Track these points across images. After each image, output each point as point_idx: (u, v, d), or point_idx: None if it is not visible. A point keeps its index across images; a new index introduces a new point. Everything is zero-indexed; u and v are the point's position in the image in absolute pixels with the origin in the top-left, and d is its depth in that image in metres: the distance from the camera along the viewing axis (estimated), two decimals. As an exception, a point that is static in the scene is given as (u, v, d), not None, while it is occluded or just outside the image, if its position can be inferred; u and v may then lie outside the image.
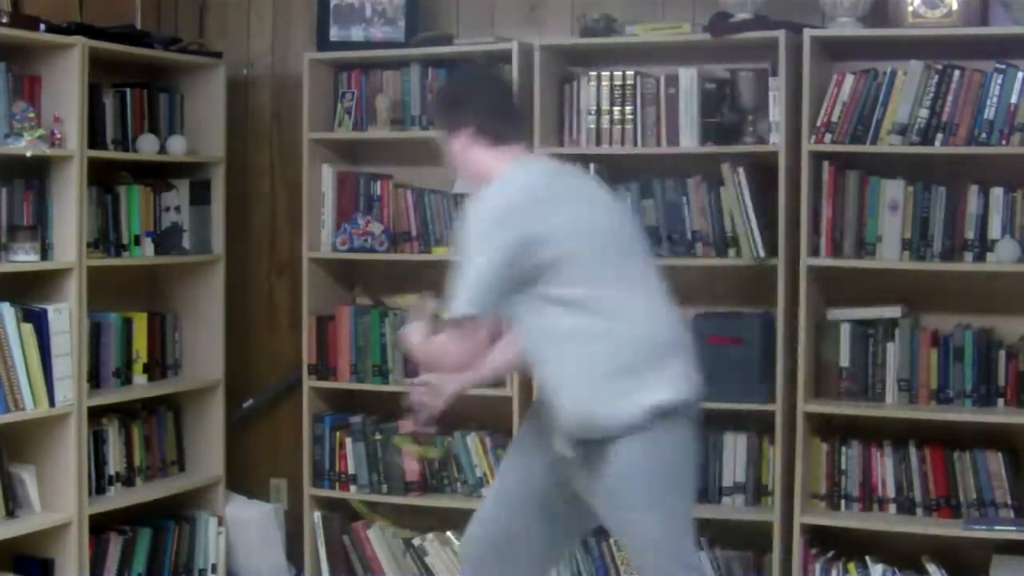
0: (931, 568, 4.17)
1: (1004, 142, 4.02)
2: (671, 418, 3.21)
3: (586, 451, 3.20)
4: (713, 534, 4.43)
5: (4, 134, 4.16)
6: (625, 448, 3.16)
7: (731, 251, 4.35)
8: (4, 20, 4.11)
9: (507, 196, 3.22)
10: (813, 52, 4.16)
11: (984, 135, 4.04)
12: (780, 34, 4.20)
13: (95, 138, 4.45)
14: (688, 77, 4.39)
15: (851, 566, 4.26)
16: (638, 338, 3.22)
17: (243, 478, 5.11)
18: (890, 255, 4.20)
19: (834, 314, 4.33)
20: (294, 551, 4.99)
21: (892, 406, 4.24)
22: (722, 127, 4.39)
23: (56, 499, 4.31)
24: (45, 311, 4.22)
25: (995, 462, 4.13)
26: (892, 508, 4.24)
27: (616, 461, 3.16)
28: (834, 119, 4.18)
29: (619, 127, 4.47)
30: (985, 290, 4.27)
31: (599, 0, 4.61)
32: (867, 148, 4.17)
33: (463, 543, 3.62)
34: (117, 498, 4.58)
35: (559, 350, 3.19)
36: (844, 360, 4.29)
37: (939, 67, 4.09)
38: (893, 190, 4.20)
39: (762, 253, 4.25)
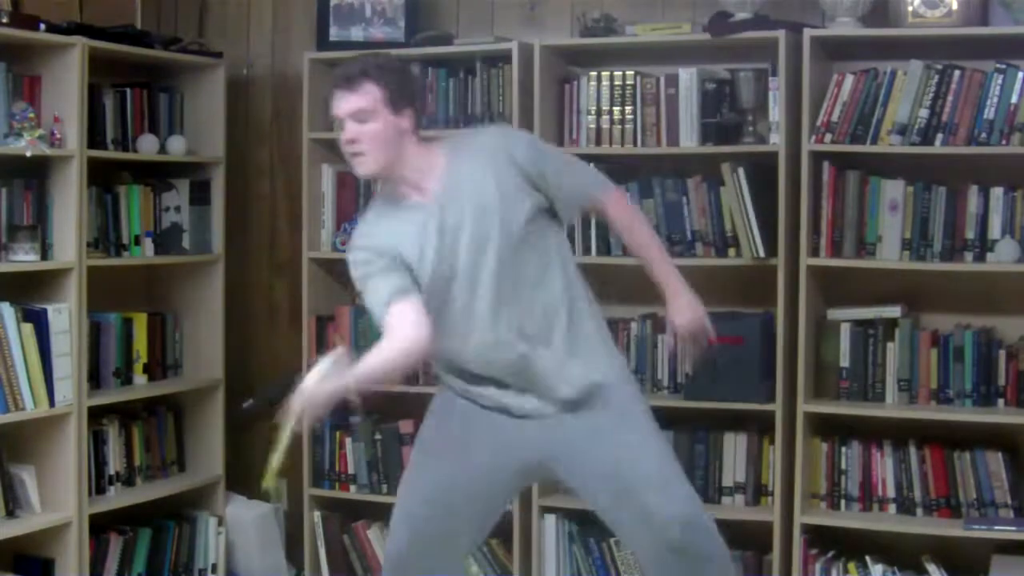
0: (931, 568, 4.18)
1: (1004, 142, 4.02)
2: None
3: (581, 401, 3.33)
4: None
5: (4, 134, 4.16)
6: (622, 387, 3.42)
7: (731, 251, 4.35)
8: (4, 20, 4.11)
9: None
10: (813, 52, 4.17)
11: (984, 135, 4.04)
12: (780, 34, 4.20)
13: (95, 138, 4.45)
14: (688, 77, 4.39)
15: (851, 566, 4.26)
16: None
17: (243, 478, 5.10)
18: (890, 255, 4.20)
19: (834, 314, 4.33)
20: (294, 551, 4.99)
21: (892, 406, 4.25)
22: (722, 127, 4.39)
23: (56, 499, 4.31)
24: (45, 311, 4.22)
25: (995, 462, 4.13)
26: (892, 508, 4.24)
27: (618, 396, 3.38)
28: (834, 119, 4.18)
29: (619, 127, 4.47)
30: (985, 290, 4.27)
31: (599, 0, 4.61)
32: (867, 148, 4.17)
33: (395, 554, 3.50)
34: (117, 498, 4.58)
35: (592, 303, 3.42)
36: (844, 360, 4.29)
37: (939, 67, 4.09)
38: (893, 190, 4.20)
39: (762, 253, 4.25)
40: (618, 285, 4.59)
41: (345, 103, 3.20)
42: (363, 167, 3.25)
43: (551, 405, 3.34)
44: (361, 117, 3.20)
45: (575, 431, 3.34)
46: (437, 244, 3.25)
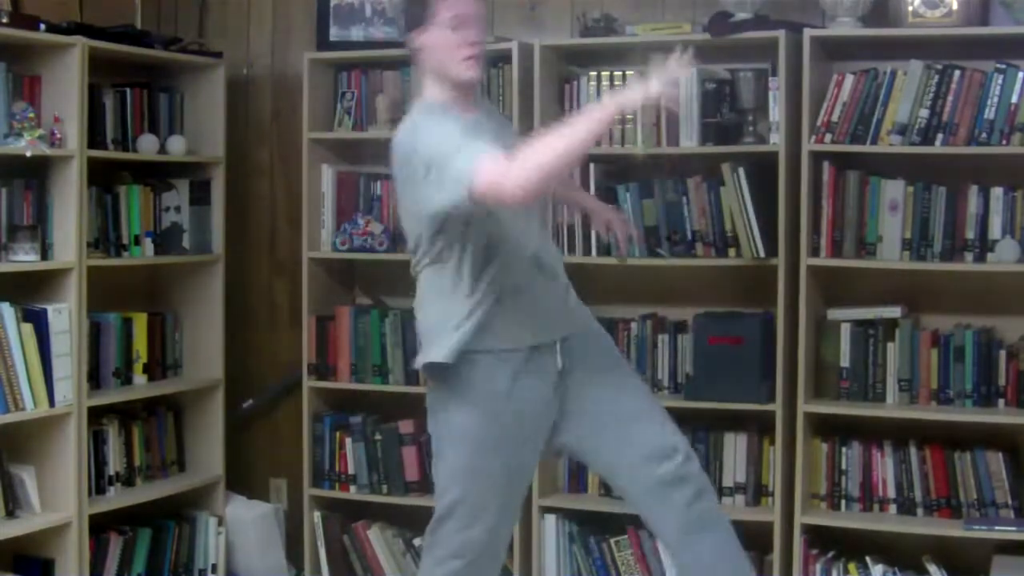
0: (931, 568, 4.17)
1: (1004, 142, 4.02)
2: None
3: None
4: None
5: (4, 134, 4.16)
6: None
7: (731, 251, 4.35)
8: (4, 20, 4.11)
9: None
10: (813, 52, 4.16)
11: (984, 135, 4.04)
12: (780, 34, 4.20)
13: (95, 138, 4.45)
14: (688, 77, 4.38)
15: (851, 566, 4.26)
16: None
17: (243, 478, 5.11)
18: (890, 255, 4.20)
19: (834, 314, 4.33)
20: (294, 551, 4.99)
21: (892, 406, 4.24)
22: (722, 127, 4.39)
23: (56, 499, 4.31)
24: (45, 311, 4.22)
25: (995, 462, 4.13)
26: (892, 508, 4.24)
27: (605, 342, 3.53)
28: (834, 119, 4.18)
29: (619, 127, 4.46)
30: (985, 290, 4.27)
31: (599, 0, 4.61)
32: (867, 148, 4.17)
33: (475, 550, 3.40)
34: (117, 498, 4.58)
35: None
36: (844, 360, 4.29)
37: (939, 67, 4.09)
38: (893, 190, 4.20)
39: (762, 253, 4.25)
40: (618, 285, 4.60)
41: (477, 6, 3.28)
42: (475, 72, 3.27)
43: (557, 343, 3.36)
44: (481, 24, 3.29)
45: (580, 378, 3.38)
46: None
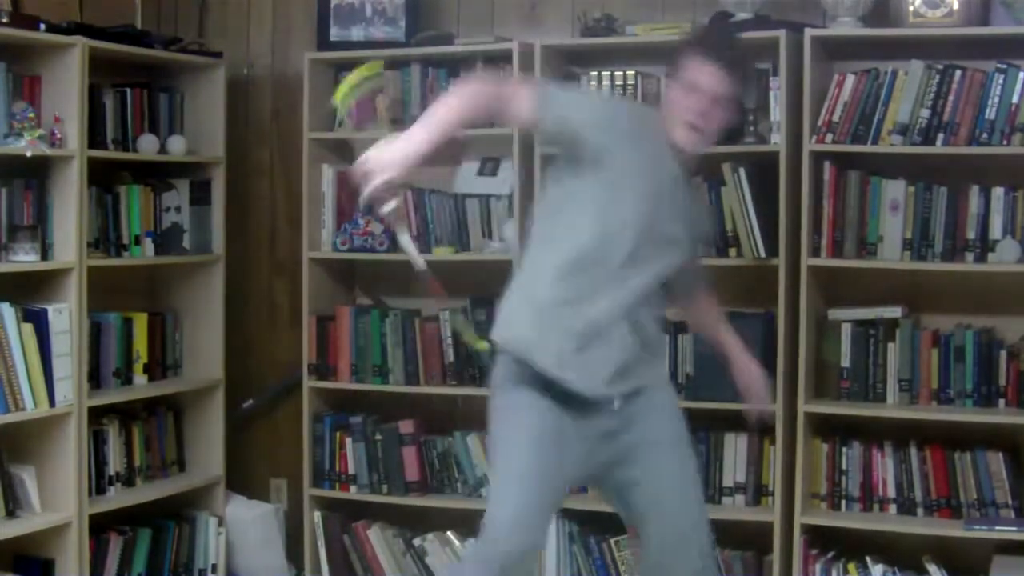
0: (931, 568, 4.17)
1: (1005, 142, 4.02)
2: None
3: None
4: (714, 534, 4.43)
5: (4, 134, 4.16)
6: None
7: (731, 251, 4.35)
8: (4, 20, 4.11)
9: None
10: (814, 52, 4.16)
11: (985, 135, 4.04)
12: (781, 34, 4.20)
13: (95, 138, 4.45)
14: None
15: (851, 566, 4.26)
16: None
17: (243, 478, 5.11)
18: (891, 255, 4.20)
19: (835, 314, 4.33)
20: (294, 551, 4.99)
21: (893, 406, 4.24)
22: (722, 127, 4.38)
23: (56, 499, 4.31)
24: (45, 311, 4.22)
25: (996, 462, 4.13)
26: (892, 508, 4.24)
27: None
28: (835, 119, 4.18)
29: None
30: (986, 290, 4.27)
31: (599, 0, 4.61)
32: (868, 148, 4.17)
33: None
34: (117, 498, 4.58)
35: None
36: (845, 360, 4.29)
37: (940, 67, 4.09)
38: (894, 190, 4.20)
39: (763, 253, 4.25)
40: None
41: (719, 85, 3.24)
42: (689, 139, 3.28)
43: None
44: (717, 104, 3.26)
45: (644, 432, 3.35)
46: (655, 189, 3.25)
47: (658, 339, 3.47)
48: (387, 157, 3.17)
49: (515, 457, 3.22)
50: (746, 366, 3.65)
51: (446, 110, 3.26)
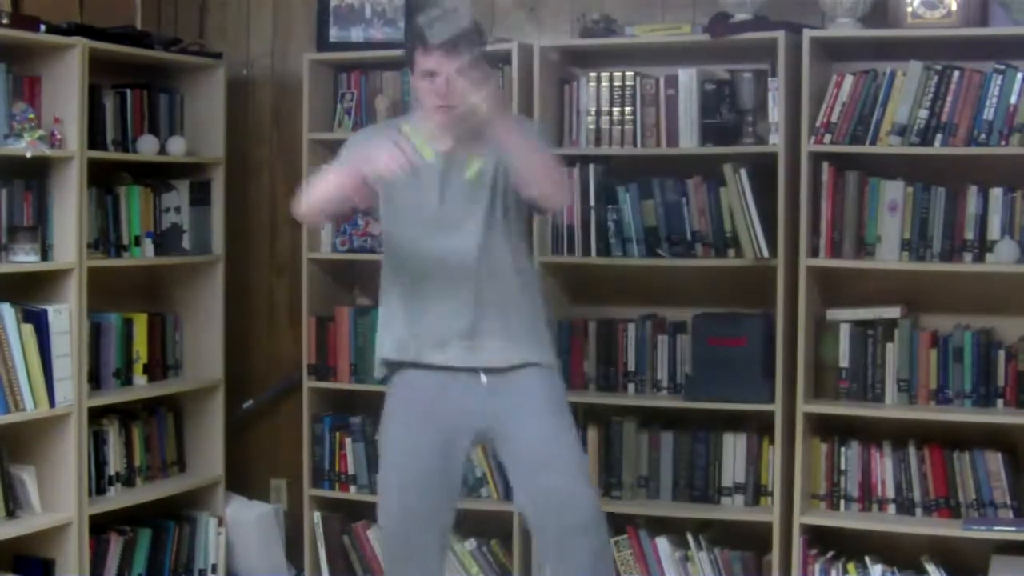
0: (930, 568, 4.18)
1: (1003, 143, 4.03)
2: None
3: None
4: (713, 534, 4.44)
5: (4, 135, 4.16)
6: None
7: (731, 251, 4.35)
8: (4, 21, 4.11)
9: None
10: (813, 53, 4.17)
11: (983, 136, 4.04)
12: (780, 35, 4.20)
13: (95, 139, 4.45)
14: (688, 78, 4.39)
15: (851, 566, 4.26)
16: None
17: (243, 478, 5.11)
18: (889, 255, 4.20)
19: (834, 314, 4.34)
20: (294, 551, 4.99)
21: (891, 406, 4.25)
22: (722, 128, 4.39)
23: (56, 499, 4.31)
24: (45, 311, 4.22)
25: (994, 462, 4.13)
26: (891, 508, 4.24)
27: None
28: (833, 119, 4.18)
29: (619, 128, 4.47)
30: (984, 291, 4.27)
31: (599, 1, 4.61)
32: (866, 149, 4.17)
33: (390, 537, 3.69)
34: (117, 498, 4.58)
35: (533, 289, 3.66)
36: (844, 360, 4.29)
37: (938, 68, 4.09)
38: (892, 191, 4.20)
39: (764, 254, 4.25)
40: (618, 285, 4.60)
41: (448, 63, 3.42)
42: (442, 118, 3.47)
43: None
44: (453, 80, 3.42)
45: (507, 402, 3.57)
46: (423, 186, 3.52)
47: (518, 315, 3.57)
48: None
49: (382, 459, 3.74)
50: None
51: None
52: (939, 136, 4.09)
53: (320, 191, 3.58)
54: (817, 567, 4.26)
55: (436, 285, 3.54)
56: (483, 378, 3.57)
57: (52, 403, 4.24)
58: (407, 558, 3.64)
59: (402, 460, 3.63)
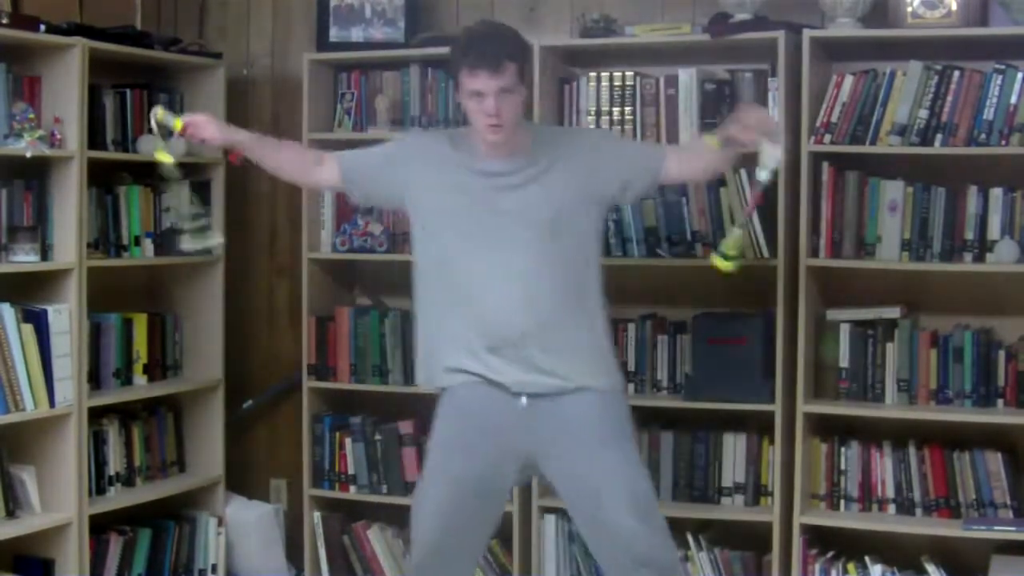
0: (930, 568, 4.18)
1: (1004, 143, 4.03)
2: None
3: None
4: (713, 534, 4.44)
5: (4, 135, 4.16)
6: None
7: (731, 251, 4.35)
8: (4, 20, 4.11)
9: None
10: (812, 53, 4.17)
11: (984, 136, 4.04)
12: (780, 35, 4.20)
13: (95, 139, 4.45)
14: (688, 78, 4.39)
15: (850, 566, 4.26)
16: None
17: (243, 478, 5.12)
18: (889, 255, 4.20)
19: (833, 314, 4.34)
20: (294, 551, 5.00)
21: (891, 406, 4.25)
22: (722, 128, 4.39)
23: (56, 499, 4.31)
24: (45, 311, 4.22)
25: (994, 462, 4.13)
26: (891, 508, 4.24)
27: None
28: (833, 119, 4.18)
29: (619, 128, 4.47)
30: (984, 291, 4.27)
31: (599, 0, 4.61)
32: (866, 149, 4.17)
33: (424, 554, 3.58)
34: (117, 498, 4.58)
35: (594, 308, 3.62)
36: (844, 360, 4.29)
37: (938, 68, 4.09)
38: (892, 190, 4.20)
39: (764, 253, 4.25)
40: (618, 285, 4.59)
41: (494, 82, 3.42)
42: (497, 136, 3.50)
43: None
44: (502, 96, 3.44)
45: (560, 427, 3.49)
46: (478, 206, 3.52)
47: (576, 336, 3.53)
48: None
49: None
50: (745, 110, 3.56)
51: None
52: (939, 136, 4.09)
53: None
54: (817, 567, 4.26)
55: (486, 303, 3.48)
56: (523, 401, 3.49)
57: (52, 403, 4.24)
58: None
59: (439, 490, 3.54)
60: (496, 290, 3.46)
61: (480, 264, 3.48)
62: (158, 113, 3.63)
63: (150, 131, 3.77)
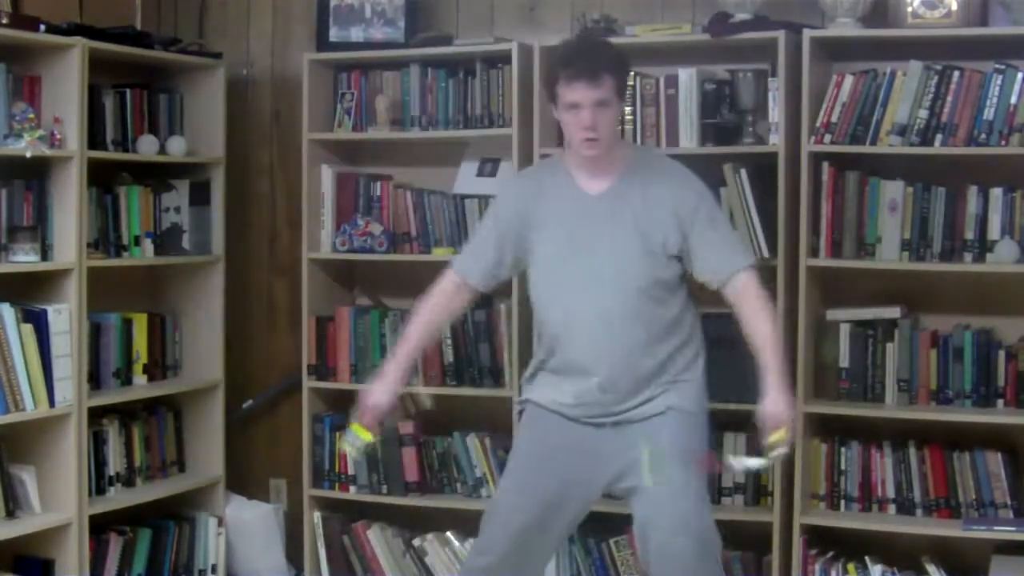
0: (930, 568, 4.18)
1: (1003, 143, 4.03)
2: None
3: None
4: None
5: (4, 135, 4.16)
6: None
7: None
8: (4, 21, 4.11)
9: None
10: (813, 53, 4.17)
11: (983, 136, 4.04)
12: (780, 35, 4.20)
13: (95, 139, 4.45)
14: (688, 78, 4.39)
15: (851, 566, 4.26)
16: None
17: (243, 478, 5.12)
18: (889, 255, 4.20)
19: (834, 314, 4.33)
20: (294, 551, 5.00)
21: (891, 406, 4.25)
22: (722, 128, 4.39)
23: (56, 499, 4.31)
24: (45, 312, 4.23)
25: (994, 462, 4.13)
26: (891, 508, 4.24)
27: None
28: (834, 119, 4.18)
29: (619, 127, 4.46)
30: (984, 291, 4.27)
31: (599, 1, 4.61)
32: (867, 149, 4.17)
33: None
34: (117, 498, 4.58)
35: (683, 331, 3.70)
36: (844, 360, 4.29)
37: (938, 67, 4.09)
38: (892, 190, 4.20)
39: (765, 253, 4.25)
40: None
41: (592, 93, 3.44)
42: (594, 151, 3.53)
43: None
44: (599, 108, 3.47)
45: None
46: (574, 236, 3.57)
47: (657, 364, 3.61)
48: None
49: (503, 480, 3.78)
50: (773, 399, 3.54)
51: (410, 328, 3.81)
52: (939, 136, 4.09)
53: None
54: (817, 567, 4.26)
55: (574, 331, 3.58)
56: (609, 426, 3.60)
57: (52, 403, 4.24)
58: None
59: (512, 500, 3.66)
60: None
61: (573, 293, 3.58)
62: (351, 451, 3.79)
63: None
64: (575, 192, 3.61)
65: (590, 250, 3.55)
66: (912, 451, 4.22)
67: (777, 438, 3.45)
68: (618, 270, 3.54)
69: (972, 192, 4.12)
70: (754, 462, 3.56)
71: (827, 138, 4.19)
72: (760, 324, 3.59)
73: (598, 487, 3.67)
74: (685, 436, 3.60)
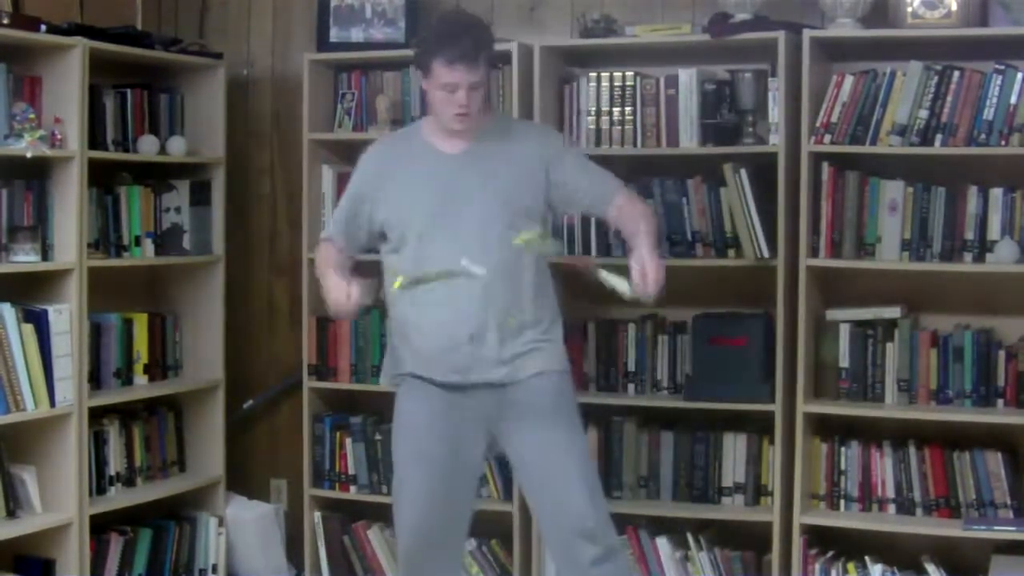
0: (930, 568, 4.18)
1: (1003, 143, 4.03)
2: None
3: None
4: (713, 534, 4.44)
5: (4, 135, 4.16)
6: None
7: (731, 252, 4.36)
8: (4, 21, 4.11)
9: None
10: (813, 53, 4.17)
11: (983, 136, 4.05)
12: (780, 35, 4.20)
13: (95, 139, 4.45)
14: (688, 78, 4.39)
15: (850, 566, 4.26)
16: None
17: (243, 478, 5.12)
18: (889, 255, 4.21)
19: (833, 314, 4.34)
20: (294, 551, 5.00)
21: (891, 406, 4.25)
22: (722, 128, 4.39)
23: (57, 499, 4.31)
24: (45, 312, 4.23)
25: (994, 462, 4.13)
26: (891, 508, 4.25)
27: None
28: (834, 120, 4.18)
29: (619, 128, 4.47)
30: (984, 291, 4.28)
31: (599, 1, 4.61)
32: (867, 149, 4.18)
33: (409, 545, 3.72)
34: (117, 498, 4.58)
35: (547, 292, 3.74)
36: (844, 360, 4.29)
37: (938, 68, 4.10)
38: (892, 191, 4.20)
39: (764, 254, 4.25)
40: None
41: (469, 75, 3.50)
42: (463, 124, 3.57)
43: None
44: (473, 88, 3.53)
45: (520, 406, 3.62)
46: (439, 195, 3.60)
47: (536, 323, 3.64)
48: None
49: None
50: (648, 252, 3.50)
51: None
52: (939, 136, 4.09)
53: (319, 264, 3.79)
54: (817, 567, 4.26)
55: (441, 294, 3.56)
56: (483, 388, 3.61)
57: (52, 403, 4.24)
58: (423, 563, 3.69)
59: (411, 472, 3.66)
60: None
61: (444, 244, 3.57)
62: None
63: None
64: (433, 153, 3.65)
65: (453, 207, 3.58)
66: (912, 451, 4.22)
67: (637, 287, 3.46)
68: (481, 225, 3.56)
69: (972, 192, 4.12)
70: (620, 284, 3.50)
71: (827, 138, 4.19)
72: (638, 216, 3.65)
73: (481, 451, 3.71)
74: (566, 397, 3.67)
